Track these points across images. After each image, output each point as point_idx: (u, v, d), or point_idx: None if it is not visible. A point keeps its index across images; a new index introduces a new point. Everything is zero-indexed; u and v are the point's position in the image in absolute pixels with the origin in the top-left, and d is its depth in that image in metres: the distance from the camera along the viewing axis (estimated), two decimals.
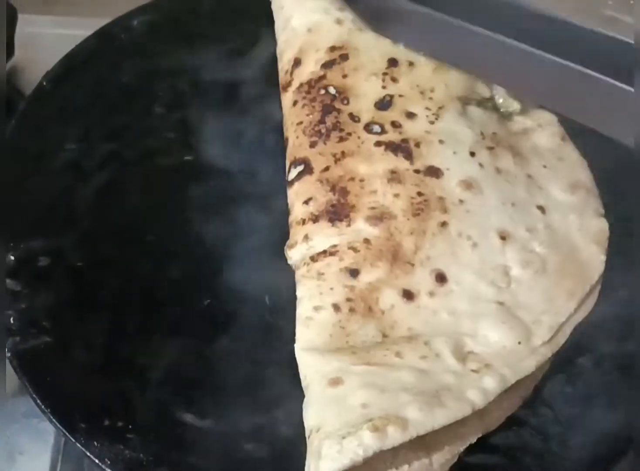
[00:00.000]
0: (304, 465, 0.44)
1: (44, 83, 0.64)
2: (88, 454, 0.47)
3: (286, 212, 0.56)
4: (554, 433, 0.50)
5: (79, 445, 0.47)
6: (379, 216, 0.53)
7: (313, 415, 0.45)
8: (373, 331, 0.49)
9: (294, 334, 0.49)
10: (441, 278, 0.51)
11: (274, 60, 0.65)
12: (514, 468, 0.49)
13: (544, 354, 0.49)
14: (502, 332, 0.49)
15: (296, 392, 0.47)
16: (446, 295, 0.50)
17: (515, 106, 0.61)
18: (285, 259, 0.54)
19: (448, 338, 0.48)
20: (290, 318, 0.51)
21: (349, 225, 0.53)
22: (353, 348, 0.48)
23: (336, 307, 0.50)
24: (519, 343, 0.49)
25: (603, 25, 0.65)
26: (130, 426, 0.48)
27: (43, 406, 0.49)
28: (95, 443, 0.47)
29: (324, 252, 0.52)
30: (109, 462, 0.46)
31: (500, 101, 0.61)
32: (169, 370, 0.51)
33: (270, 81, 0.64)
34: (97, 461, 0.46)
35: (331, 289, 0.51)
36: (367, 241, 0.52)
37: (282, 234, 0.55)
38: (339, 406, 0.44)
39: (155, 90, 0.65)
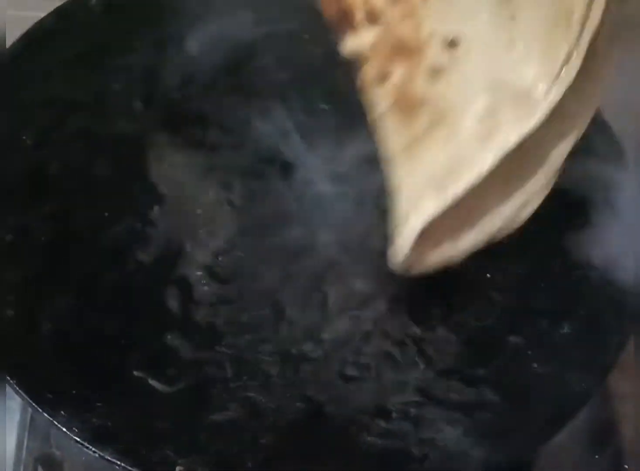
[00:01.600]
0: None
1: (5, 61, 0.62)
2: (55, 423, 0.46)
3: None
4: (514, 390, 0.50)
5: (46, 414, 0.46)
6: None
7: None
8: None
9: None
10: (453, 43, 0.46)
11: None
12: (471, 425, 0.49)
13: None
14: None
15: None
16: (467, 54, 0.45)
17: None
18: None
19: None
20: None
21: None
22: None
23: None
24: None
25: None
26: (97, 395, 0.48)
27: (8, 378, 0.48)
28: (63, 412, 0.46)
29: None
30: (76, 430, 0.45)
31: None
32: (136, 339, 0.51)
33: None
34: (64, 429, 0.46)
35: None
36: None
37: None
38: None
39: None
